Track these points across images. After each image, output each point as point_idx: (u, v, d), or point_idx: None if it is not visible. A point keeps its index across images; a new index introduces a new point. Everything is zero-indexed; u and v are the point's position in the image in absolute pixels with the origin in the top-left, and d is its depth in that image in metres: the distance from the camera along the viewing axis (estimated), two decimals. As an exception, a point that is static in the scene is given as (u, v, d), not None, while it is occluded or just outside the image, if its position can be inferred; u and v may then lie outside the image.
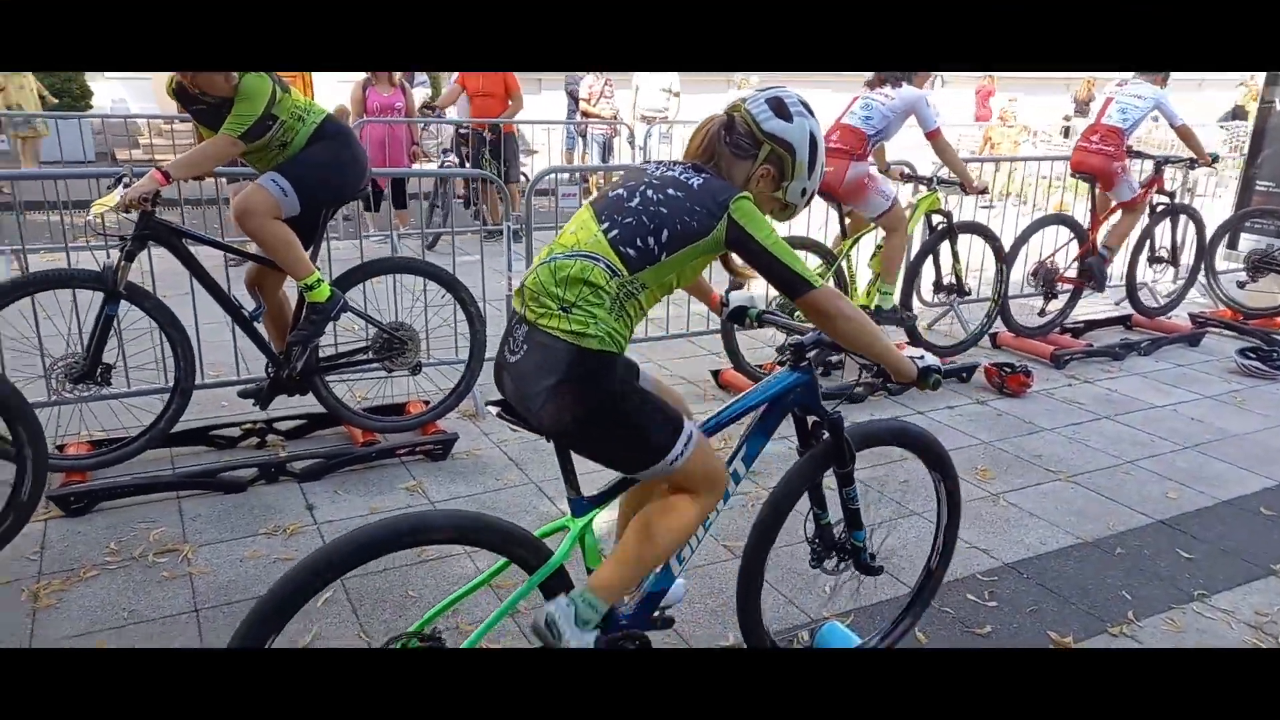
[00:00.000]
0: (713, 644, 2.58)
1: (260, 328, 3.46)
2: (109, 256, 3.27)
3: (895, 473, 3.68)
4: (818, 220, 5.32)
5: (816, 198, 4.71)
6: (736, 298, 2.37)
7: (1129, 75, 5.53)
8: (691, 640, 2.59)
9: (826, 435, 2.17)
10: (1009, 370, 4.71)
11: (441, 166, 8.39)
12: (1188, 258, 6.18)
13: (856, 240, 4.75)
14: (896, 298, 4.72)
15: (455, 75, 8.36)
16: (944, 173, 4.91)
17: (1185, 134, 5.51)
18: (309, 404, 3.73)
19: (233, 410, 3.91)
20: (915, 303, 5.24)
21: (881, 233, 4.73)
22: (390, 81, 7.64)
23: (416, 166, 7.99)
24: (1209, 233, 6.15)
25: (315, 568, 1.65)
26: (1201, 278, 6.20)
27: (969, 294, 5.17)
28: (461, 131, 8.19)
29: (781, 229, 4.78)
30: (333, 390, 3.67)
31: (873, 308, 4.70)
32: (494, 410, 1.86)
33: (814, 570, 2.37)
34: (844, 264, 4.66)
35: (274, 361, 3.47)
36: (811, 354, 2.12)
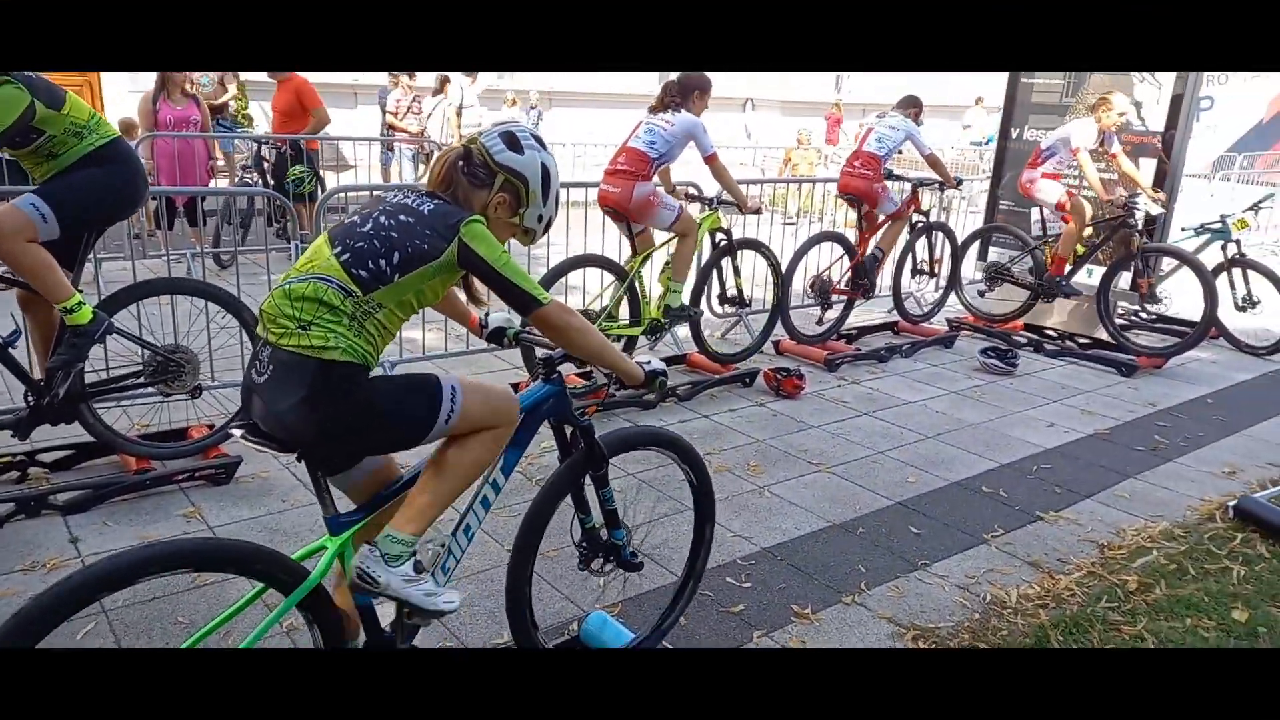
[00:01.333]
0: (487, 644, 2.71)
1: (16, 353, 3.30)
2: None
3: (675, 473, 3.95)
4: (611, 239, 5.58)
5: (609, 219, 5.00)
6: (495, 319, 2.53)
7: (888, 108, 6.17)
8: (467, 642, 2.72)
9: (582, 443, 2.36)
10: (785, 374, 5.14)
11: (241, 183, 8.10)
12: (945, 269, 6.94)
13: (647, 257, 5.04)
14: (685, 296, 5.06)
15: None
16: (725, 195, 5.30)
17: (933, 161, 6.21)
18: (78, 433, 3.58)
19: (-10, 443, 3.68)
20: (707, 314, 5.62)
21: (672, 248, 5.05)
22: (184, 92, 7.33)
23: (213, 183, 7.69)
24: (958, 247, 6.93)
25: (49, 603, 1.63)
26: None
27: (749, 305, 5.58)
28: (264, 149, 7.96)
29: (576, 245, 5.01)
30: (101, 418, 3.53)
31: (662, 306, 5.00)
32: (238, 433, 1.92)
33: (582, 572, 2.55)
34: (636, 281, 4.94)
35: (33, 389, 3.32)
36: (560, 366, 2.30)
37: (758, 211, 5.29)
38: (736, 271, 5.41)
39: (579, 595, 3.00)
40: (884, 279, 6.55)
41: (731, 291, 5.45)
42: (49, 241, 3.11)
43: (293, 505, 3.50)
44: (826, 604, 3.04)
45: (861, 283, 6.14)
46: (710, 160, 4.90)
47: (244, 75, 9.18)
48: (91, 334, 3.24)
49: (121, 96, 8.62)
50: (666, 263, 5.10)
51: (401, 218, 1.92)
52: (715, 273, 5.41)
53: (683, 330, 5.54)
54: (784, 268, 5.66)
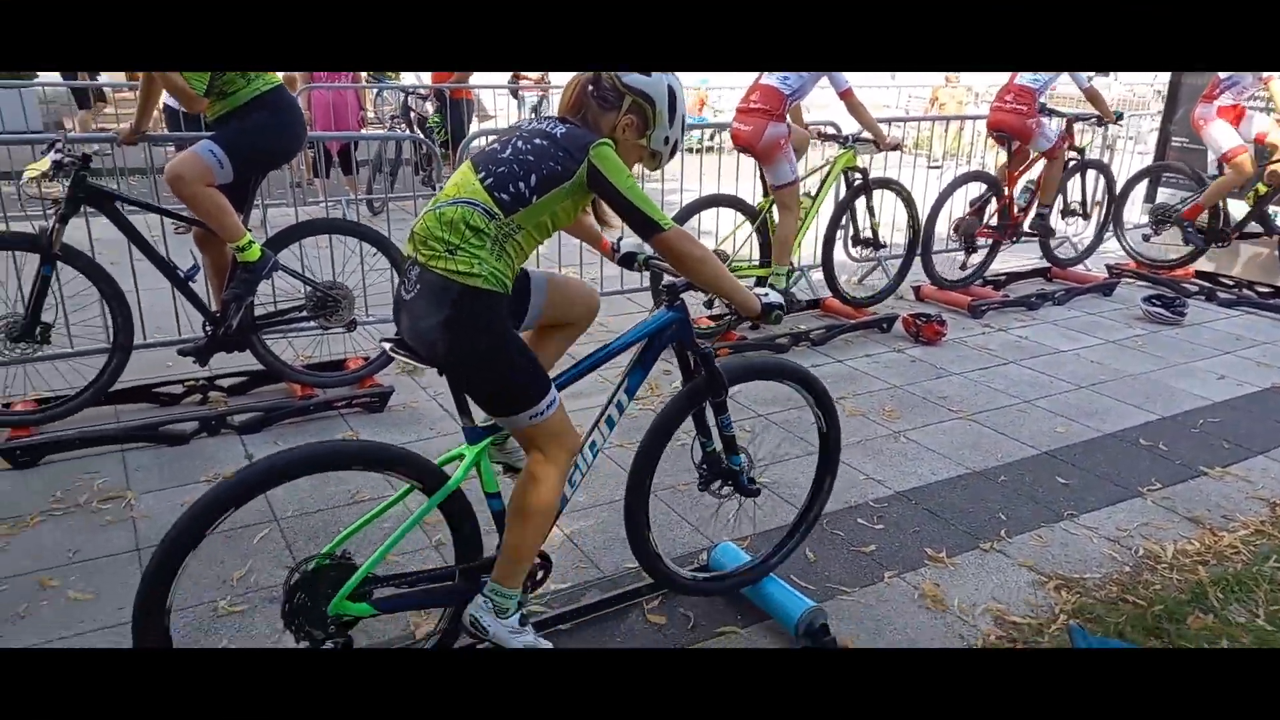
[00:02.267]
0: (619, 568, 2.81)
1: (196, 287, 3.61)
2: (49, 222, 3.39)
3: (806, 415, 3.91)
4: (746, 179, 5.51)
5: (742, 154, 4.93)
6: (626, 245, 2.56)
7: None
8: (601, 565, 2.82)
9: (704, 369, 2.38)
10: (925, 320, 4.96)
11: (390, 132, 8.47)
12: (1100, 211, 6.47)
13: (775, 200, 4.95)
14: (789, 279, 4.89)
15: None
16: (862, 132, 5.11)
17: (1092, 95, 5.77)
18: (250, 363, 3.89)
19: (176, 370, 4.06)
20: (842, 257, 5.48)
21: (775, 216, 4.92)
22: None
23: (365, 132, 8.08)
24: (1119, 188, 6.43)
25: (224, 491, 1.82)
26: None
27: (885, 247, 5.40)
28: (410, 100, 8.28)
29: (710, 185, 4.98)
30: (270, 348, 3.82)
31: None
32: (388, 346, 2.05)
33: (701, 494, 2.59)
34: (769, 219, 4.87)
35: (210, 320, 3.62)
36: (684, 294, 2.33)
37: (896, 148, 5.09)
38: (871, 212, 5.23)
39: (710, 529, 3.05)
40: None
41: (866, 233, 5.28)
42: (222, 186, 3.37)
43: (439, 434, 3.70)
44: (963, 549, 2.96)
45: (1009, 225, 5.81)
46: (845, 95, 4.73)
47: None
48: (260, 271, 3.50)
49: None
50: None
51: (537, 141, 1.97)
52: (849, 214, 5.25)
53: (817, 273, 5.43)
54: (927, 210, 5.44)
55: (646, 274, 2.80)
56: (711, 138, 10.47)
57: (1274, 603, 2.65)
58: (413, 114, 8.27)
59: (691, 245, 2.03)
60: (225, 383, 3.94)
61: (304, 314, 3.81)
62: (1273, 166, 5.66)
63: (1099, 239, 6.46)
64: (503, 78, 11.75)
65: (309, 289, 3.81)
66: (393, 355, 2.03)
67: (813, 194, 5.01)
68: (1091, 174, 6.25)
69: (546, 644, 2.19)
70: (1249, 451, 3.71)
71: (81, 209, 3.38)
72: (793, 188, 4.74)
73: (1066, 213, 6.23)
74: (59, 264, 3.32)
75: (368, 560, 1.97)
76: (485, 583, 2.12)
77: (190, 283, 3.58)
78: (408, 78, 8.67)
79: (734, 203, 4.89)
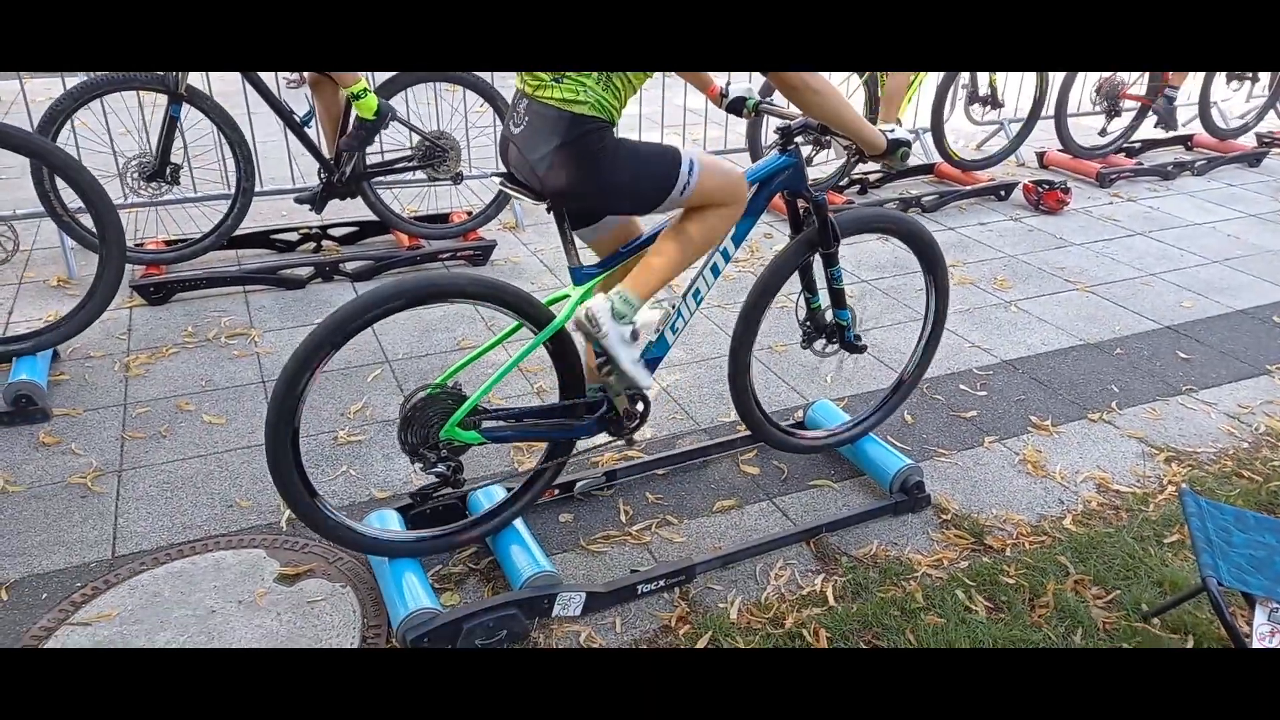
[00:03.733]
0: (714, 421, 2.85)
1: (312, 134, 3.68)
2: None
3: (914, 281, 3.81)
4: None
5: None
6: (735, 89, 2.46)
7: None
8: (696, 417, 2.87)
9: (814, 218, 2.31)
10: (1047, 187, 4.68)
11: None
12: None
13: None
14: (901, 130, 4.59)
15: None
16: None
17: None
18: (360, 214, 4.00)
19: (292, 219, 4.20)
20: (963, 122, 5.17)
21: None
22: None
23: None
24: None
25: (354, 307, 1.90)
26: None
27: (1003, 106, 5.04)
28: None
29: None
30: (380, 197, 3.91)
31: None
32: (500, 181, 2.05)
33: (805, 351, 2.56)
34: (878, 74, 4.60)
35: (324, 167, 3.71)
36: (799, 138, 2.23)
37: None
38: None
39: (806, 387, 3.05)
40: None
41: (985, 90, 4.93)
42: None
43: (539, 288, 3.75)
44: (1069, 419, 2.88)
45: (1159, 85, 5.29)
46: None
47: None
48: (377, 124, 3.54)
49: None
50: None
51: None
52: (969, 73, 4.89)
53: (929, 136, 5.15)
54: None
55: (745, 139, 2.69)
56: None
57: None
58: None
59: (812, 77, 1.93)
60: (337, 232, 4.07)
61: (413, 164, 3.86)
62: None
63: (1269, 107, 5.84)
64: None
65: (418, 139, 3.84)
66: (504, 190, 2.03)
67: None
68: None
69: (648, 376, 2.14)
70: (1399, 334, 3.45)
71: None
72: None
73: (1231, 77, 5.64)
74: (185, 106, 3.43)
75: (477, 391, 2.04)
76: (604, 425, 2.15)
77: (305, 128, 3.65)
78: None
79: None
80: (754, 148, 4.51)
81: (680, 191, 1.97)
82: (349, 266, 3.79)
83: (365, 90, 3.50)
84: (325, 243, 4.05)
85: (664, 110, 5.09)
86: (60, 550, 2.23)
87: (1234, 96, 5.96)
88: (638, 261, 2.17)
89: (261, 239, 3.96)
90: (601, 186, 1.95)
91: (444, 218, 4.18)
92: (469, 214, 4.17)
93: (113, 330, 3.26)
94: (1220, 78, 5.58)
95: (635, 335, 2.10)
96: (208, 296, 3.56)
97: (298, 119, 3.62)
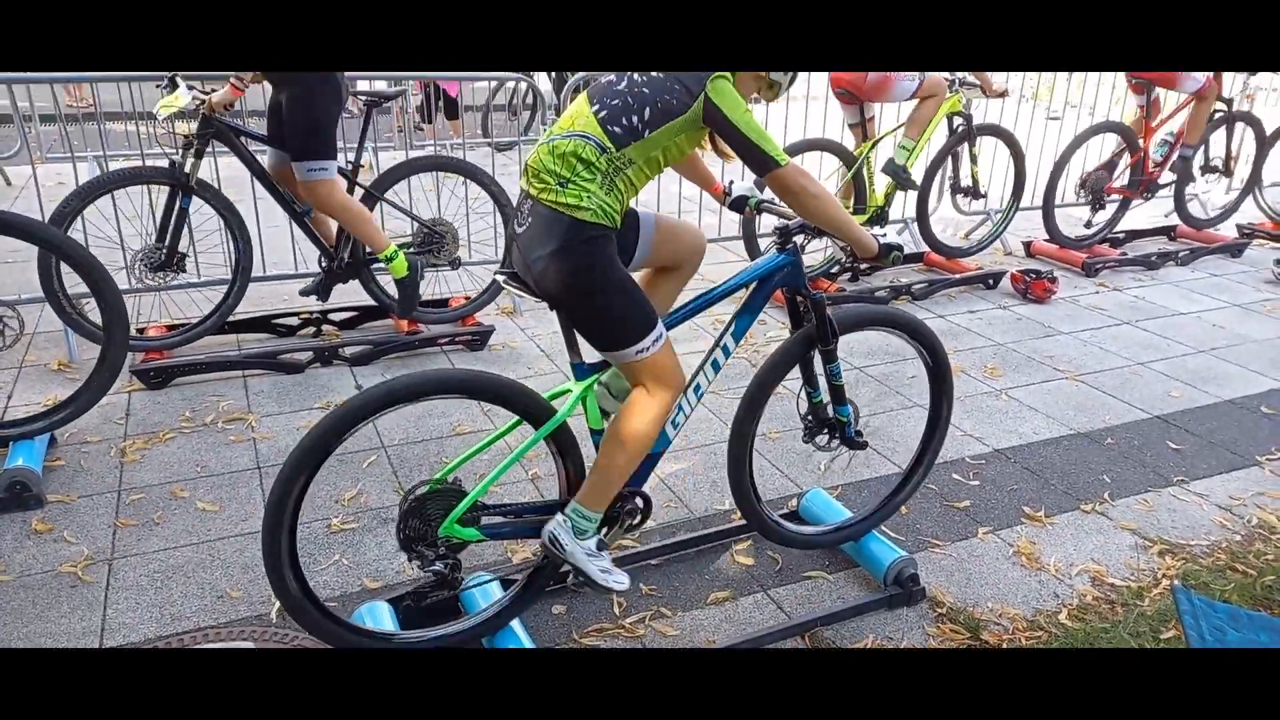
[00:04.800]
0: (709, 510, 2.85)
1: (311, 224, 3.77)
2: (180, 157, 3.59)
3: (905, 369, 3.86)
4: (835, 123, 5.37)
5: (838, 101, 4.81)
6: (738, 188, 2.54)
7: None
8: (691, 506, 2.88)
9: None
10: (1034, 276, 4.79)
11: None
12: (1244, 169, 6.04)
13: (876, 143, 4.82)
14: (912, 158, 4.72)
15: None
16: (967, 75, 4.89)
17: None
18: (359, 299, 4.06)
19: (293, 304, 4.26)
20: (950, 211, 5.32)
21: (899, 136, 4.78)
22: None
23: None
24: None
25: (349, 410, 1.93)
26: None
27: (985, 196, 5.20)
28: None
29: (795, 129, 4.84)
30: (379, 283, 3.97)
31: (887, 163, 4.75)
32: (501, 279, 2.10)
33: (806, 445, 2.57)
34: (864, 168, 4.76)
35: (325, 253, 3.78)
36: (797, 237, 2.29)
37: (1004, 95, 4.86)
38: (974, 159, 5.03)
39: (799, 475, 3.06)
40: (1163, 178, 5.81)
41: (966, 181, 5.09)
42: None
43: (536, 373, 3.80)
44: (1062, 509, 2.89)
45: (1142, 181, 5.47)
46: None
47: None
48: (413, 281, 3.73)
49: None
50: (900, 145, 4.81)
51: (653, 74, 1.96)
52: (951, 160, 5.07)
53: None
54: (1041, 161, 5.20)
55: (739, 229, 2.76)
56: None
57: (1401, 582, 2.51)
58: None
59: (809, 182, 1.99)
60: (337, 317, 4.12)
61: (411, 250, 3.94)
62: None
63: (1244, 197, 6.03)
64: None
65: (415, 225, 3.93)
66: (504, 287, 2.08)
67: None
68: (1238, 128, 5.83)
69: (622, 576, 2.19)
70: (1385, 425, 3.49)
71: (210, 144, 3.56)
72: (927, 81, 4.57)
73: (1207, 169, 5.84)
74: (193, 198, 3.52)
75: (477, 487, 2.05)
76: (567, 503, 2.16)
77: (307, 218, 3.73)
78: None
79: (833, 148, 4.79)
80: (749, 241, 4.62)
81: (637, 352, 2.02)
82: (348, 351, 3.83)
83: (396, 251, 3.63)
84: (325, 327, 4.10)
85: (659, 197, 5.22)
86: (47, 642, 2.20)
87: (1214, 188, 6.14)
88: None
89: (262, 324, 4.01)
90: (583, 299, 2.00)
91: (443, 303, 4.24)
92: (468, 299, 4.24)
93: (111, 415, 3.28)
94: (1195, 171, 5.75)
95: (601, 545, 2.17)
96: (206, 381, 3.59)
97: (298, 208, 3.69)
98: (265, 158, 3.65)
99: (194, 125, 3.51)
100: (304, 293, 3.88)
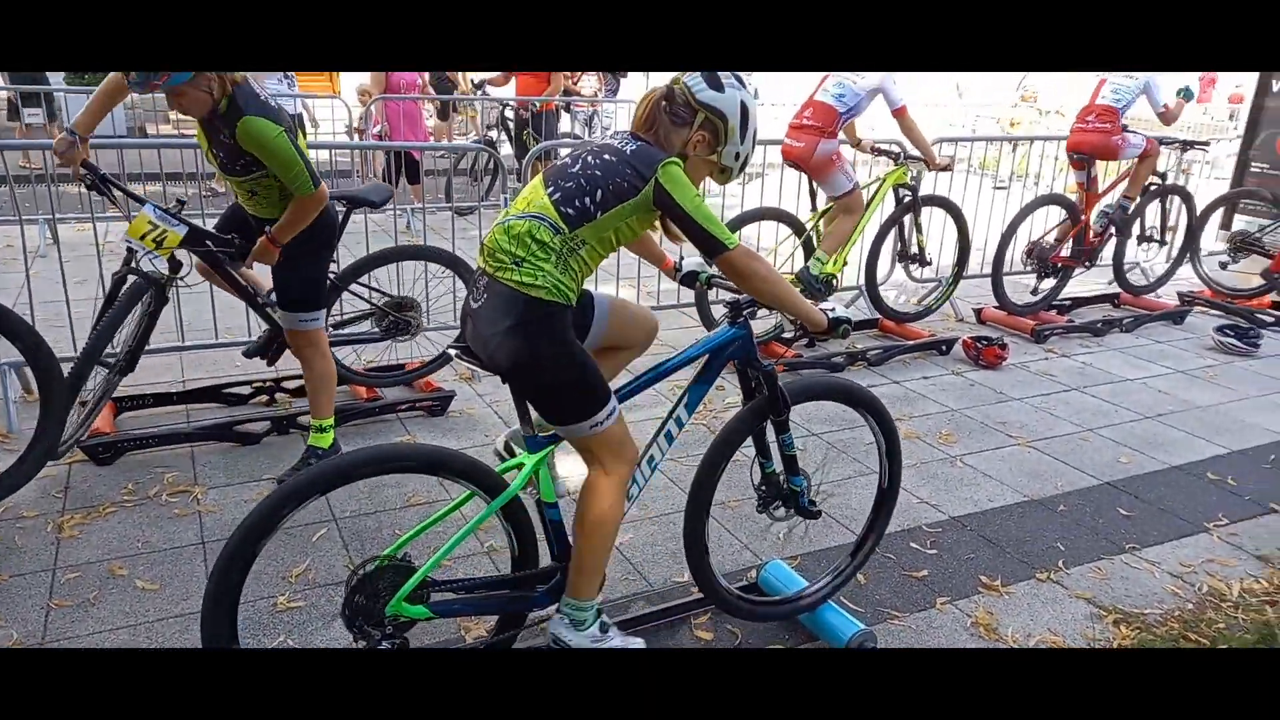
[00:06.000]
0: (668, 581, 2.82)
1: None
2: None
3: (863, 435, 3.89)
4: (790, 193, 5.50)
5: (790, 169, 4.95)
6: (689, 263, 2.58)
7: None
8: (649, 577, 2.84)
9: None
10: (985, 343, 4.89)
11: (485, 141, 8.67)
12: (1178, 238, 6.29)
13: (826, 213, 4.94)
14: (829, 268, 4.85)
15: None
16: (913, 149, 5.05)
17: (1169, 118, 5.61)
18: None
19: (245, 370, 4.19)
20: (905, 280, 5.44)
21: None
22: None
23: (432, 141, 8.28)
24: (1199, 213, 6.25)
25: (297, 486, 1.89)
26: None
27: (930, 264, 5.35)
28: (506, 110, 8.56)
29: (754, 198, 4.96)
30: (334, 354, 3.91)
31: (800, 270, 4.87)
32: (454, 352, 2.10)
33: (760, 515, 2.58)
34: (813, 235, 4.88)
35: (272, 325, 3.64)
36: (747, 311, 2.33)
37: (947, 168, 5.03)
38: (919, 229, 5.20)
39: (759, 545, 3.04)
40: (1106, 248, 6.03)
41: (913, 250, 5.24)
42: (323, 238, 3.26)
43: (494, 440, 3.75)
44: (1018, 578, 2.90)
45: (1084, 250, 5.67)
46: (899, 114, 4.72)
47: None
48: (325, 456, 3.38)
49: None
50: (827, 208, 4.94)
51: (606, 157, 2.00)
52: (897, 230, 5.23)
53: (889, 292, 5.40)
54: (988, 231, 5.37)
55: (696, 293, 2.80)
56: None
57: (1348, 649, 2.54)
58: (510, 124, 8.52)
59: (756, 263, 2.04)
60: (291, 384, 4.05)
61: (377, 334, 3.92)
62: None
63: (1177, 266, 6.28)
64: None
65: (378, 313, 3.90)
66: (459, 361, 2.08)
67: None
68: (1171, 200, 6.09)
69: (638, 642, 2.23)
70: (1325, 490, 3.58)
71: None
72: (855, 193, 4.76)
73: (1144, 239, 6.08)
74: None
75: (426, 564, 2.01)
76: (556, 597, 2.17)
77: (258, 298, 3.51)
78: (496, 91, 8.96)
79: (781, 216, 4.91)
80: (703, 312, 4.68)
81: (591, 427, 2.04)
82: (306, 420, 3.75)
83: (331, 427, 3.40)
84: (278, 395, 4.02)
85: (619, 263, 5.27)
86: (-32, 735, 2.08)
87: (1156, 256, 6.36)
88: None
89: (212, 393, 3.92)
90: (537, 375, 2.01)
91: (399, 367, 4.20)
92: (423, 363, 4.21)
93: (49, 488, 3.17)
94: (1132, 240, 5.97)
95: (605, 628, 2.19)
96: (153, 453, 3.49)
97: (251, 292, 3.50)
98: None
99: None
100: (248, 354, 3.79)
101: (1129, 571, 2.97)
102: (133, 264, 3.23)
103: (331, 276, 3.56)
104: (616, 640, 2.19)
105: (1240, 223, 6.47)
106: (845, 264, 4.97)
